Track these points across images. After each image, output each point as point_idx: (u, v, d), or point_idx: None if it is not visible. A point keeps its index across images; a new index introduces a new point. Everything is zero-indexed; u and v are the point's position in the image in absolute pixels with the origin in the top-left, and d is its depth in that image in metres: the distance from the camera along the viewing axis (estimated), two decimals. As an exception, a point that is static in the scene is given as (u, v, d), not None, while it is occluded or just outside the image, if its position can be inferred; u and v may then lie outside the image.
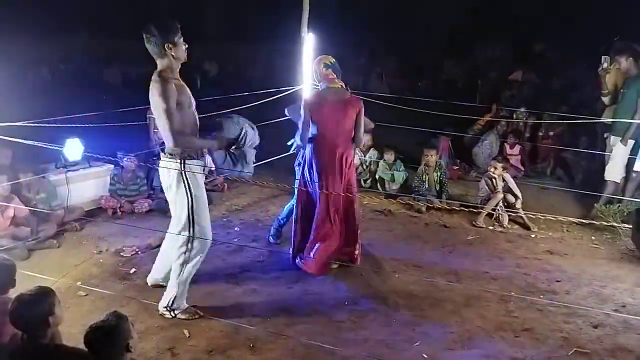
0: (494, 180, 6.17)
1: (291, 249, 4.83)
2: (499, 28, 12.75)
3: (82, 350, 2.63)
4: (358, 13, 13.96)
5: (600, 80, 6.21)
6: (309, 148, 4.57)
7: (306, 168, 4.63)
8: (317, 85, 4.64)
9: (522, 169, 8.07)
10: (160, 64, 3.65)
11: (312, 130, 4.50)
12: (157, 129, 6.80)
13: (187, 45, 3.69)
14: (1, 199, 4.91)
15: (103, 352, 2.54)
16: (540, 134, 8.27)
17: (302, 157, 4.73)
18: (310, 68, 4.60)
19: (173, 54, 3.61)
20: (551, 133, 8.19)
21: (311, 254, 4.59)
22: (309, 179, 4.64)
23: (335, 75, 4.48)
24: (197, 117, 3.82)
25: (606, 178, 6.11)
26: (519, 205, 6.05)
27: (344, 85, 4.52)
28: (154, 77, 3.61)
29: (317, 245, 4.61)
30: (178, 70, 3.69)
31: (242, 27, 13.90)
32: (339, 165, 4.52)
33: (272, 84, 6.16)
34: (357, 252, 4.75)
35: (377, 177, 7.06)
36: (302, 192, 4.68)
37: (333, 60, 4.51)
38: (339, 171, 4.54)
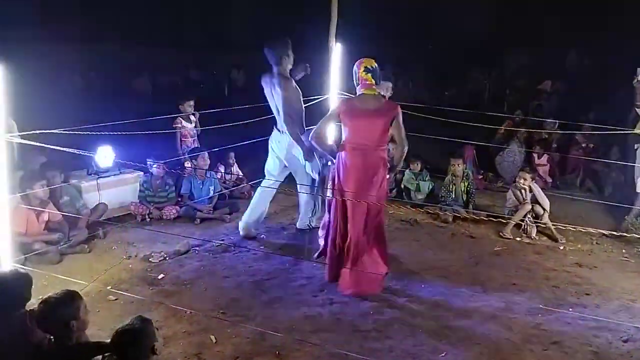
0: (522, 191, 6.10)
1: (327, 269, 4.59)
2: (527, 37, 12.65)
3: (102, 342, 2.70)
4: (385, 23, 13.97)
5: (635, 91, 6.12)
6: (338, 156, 4.42)
7: (336, 179, 4.45)
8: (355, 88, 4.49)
9: (550, 180, 7.97)
10: (278, 69, 5.07)
11: (343, 136, 4.42)
12: (185, 138, 6.97)
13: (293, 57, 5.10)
14: (38, 203, 5.04)
15: (130, 354, 2.60)
16: (583, 144, 8.10)
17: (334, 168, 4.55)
18: (353, 70, 4.45)
19: (287, 63, 5.07)
20: (584, 145, 8.07)
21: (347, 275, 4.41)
22: (338, 190, 4.43)
23: (373, 81, 4.32)
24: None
25: (638, 191, 6.01)
26: (546, 218, 5.97)
27: (380, 92, 4.38)
28: (281, 76, 5.05)
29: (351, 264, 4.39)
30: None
31: (270, 37, 14.03)
32: (369, 176, 4.29)
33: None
34: (383, 277, 4.50)
35: (402, 186, 7.05)
36: (336, 204, 4.47)
37: (375, 65, 4.33)
38: (369, 184, 4.29)
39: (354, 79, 4.42)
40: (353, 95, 4.55)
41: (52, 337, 2.77)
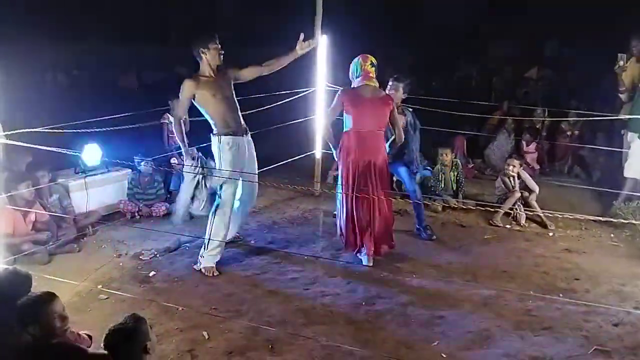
0: (511, 178, 6.12)
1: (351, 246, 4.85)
2: (513, 25, 12.67)
3: (77, 347, 2.70)
4: (371, 14, 13.94)
5: (617, 77, 6.15)
6: (342, 140, 4.72)
7: (342, 163, 4.75)
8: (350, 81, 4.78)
9: (538, 167, 8.01)
10: (200, 65, 4.58)
11: (346, 123, 4.69)
12: (172, 134, 6.92)
13: (219, 50, 4.54)
14: (24, 203, 4.99)
15: (122, 354, 2.58)
16: (568, 133, 8.14)
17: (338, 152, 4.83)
18: (352, 62, 4.74)
19: (208, 58, 4.53)
20: (569, 133, 8.12)
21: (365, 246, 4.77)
22: (345, 175, 4.74)
23: (375, 75, 4.69)
24: (227, 106, 4.60)
25: (625, 175, 6.05)
26: (533, 198, 6.00)
27: (378, 85, 4.71)
28: None
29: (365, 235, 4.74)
30: (215, 67, 4.58)
31: (255, 30, 13.96)
32: (373, 160, 4.64)
33: (287, 86, 6.18)
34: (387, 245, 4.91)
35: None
36: (346, 188, 4.77)
37: (376, 61, 4.71)
38: (373, 166, 4.64)
39: (356, 70, 4.71)
40: (350, 87, 4.78)
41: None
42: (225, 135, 4.61)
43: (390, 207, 4.91)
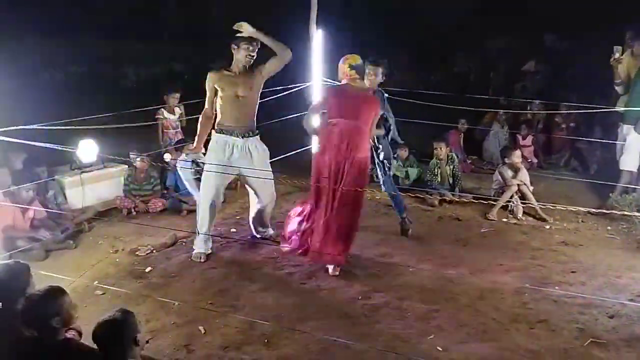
0: (516, 172, 6.10)
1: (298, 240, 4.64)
2: (510, 18, 12.63)
3: (90, 347, 2.69)
4: (367, 8, 13.90)
5: (613, 69, 6.15)
6: (321, 136, 4.58)
7: (319, 157, 4.53)
8: (337, 82, 4.69)
9: (535, 160, 8.01)
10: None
11: (329, 116, 4.50)
12: (166, 129, 6.92)
13: (249, 51, 4.59)
14: (22, 201, 4.99)
15: (111, 346, 2.59)
16: (563, 125, 8.15)
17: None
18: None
19: (237, 55, 4.65)
20: (564, 126, 8.12)
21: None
22: (319, 170, 4.51)
23: (358, 76, 4.53)
24: (233, 104, 4.65)
25: (621, 168, 6.06)
26: (530, 191, 6.02)
27: (366, 87, 4.59)
28: None
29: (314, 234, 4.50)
30: (242, 66, 4.65)
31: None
32: (349, 158, 4.38)
33: (282, 81, 6.16)
34: (342, 255, 4.49)
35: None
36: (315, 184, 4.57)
37: (360, 61, 4.55)
38: (349, 165, 4.38)
39: (339, 73, 4.61)
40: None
41: (35, 333, 2.74)
42: (218, 132, 4.72)
43: (358, 210, 4.52)
